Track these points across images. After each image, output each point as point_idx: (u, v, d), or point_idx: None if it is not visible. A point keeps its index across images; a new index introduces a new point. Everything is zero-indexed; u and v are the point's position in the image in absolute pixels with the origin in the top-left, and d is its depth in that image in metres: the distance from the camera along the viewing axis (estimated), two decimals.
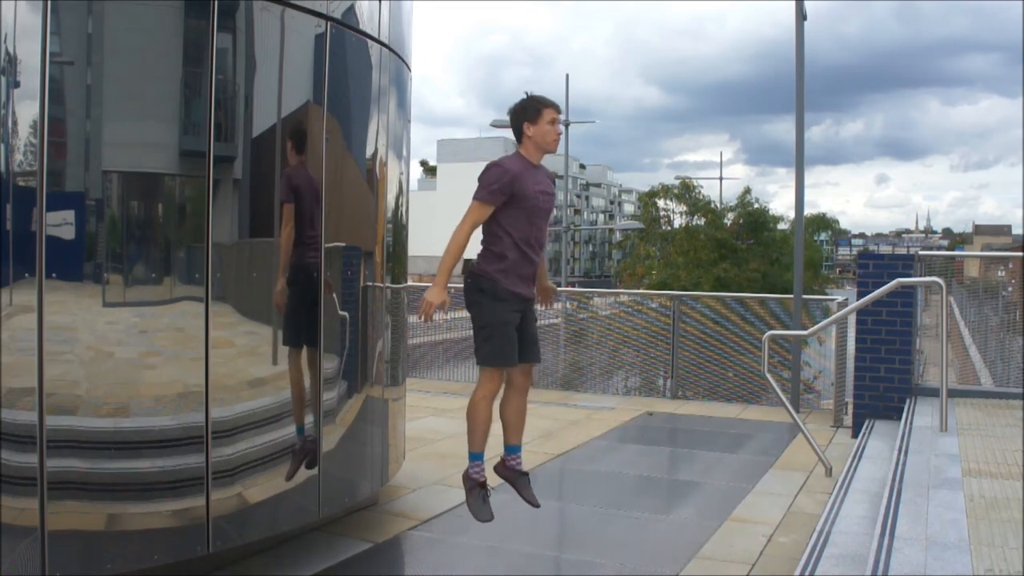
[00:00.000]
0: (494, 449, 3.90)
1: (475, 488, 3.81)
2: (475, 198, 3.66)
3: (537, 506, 3.93)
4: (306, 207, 3.88)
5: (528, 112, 3.72)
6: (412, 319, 6.77)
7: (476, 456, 3.82)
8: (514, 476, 3.93)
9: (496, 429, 3.88)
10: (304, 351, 3.96)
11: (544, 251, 3.89)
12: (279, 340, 3.85)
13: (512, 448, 3.95)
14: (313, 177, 3.93)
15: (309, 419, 3.98)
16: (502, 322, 3.70)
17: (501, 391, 3.84)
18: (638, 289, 25.19)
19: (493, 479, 3.90)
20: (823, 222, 36.39)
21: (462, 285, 3.84)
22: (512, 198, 3.66)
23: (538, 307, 4.05)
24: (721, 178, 40.53)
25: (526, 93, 3.84)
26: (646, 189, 35.70)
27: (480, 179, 3.68)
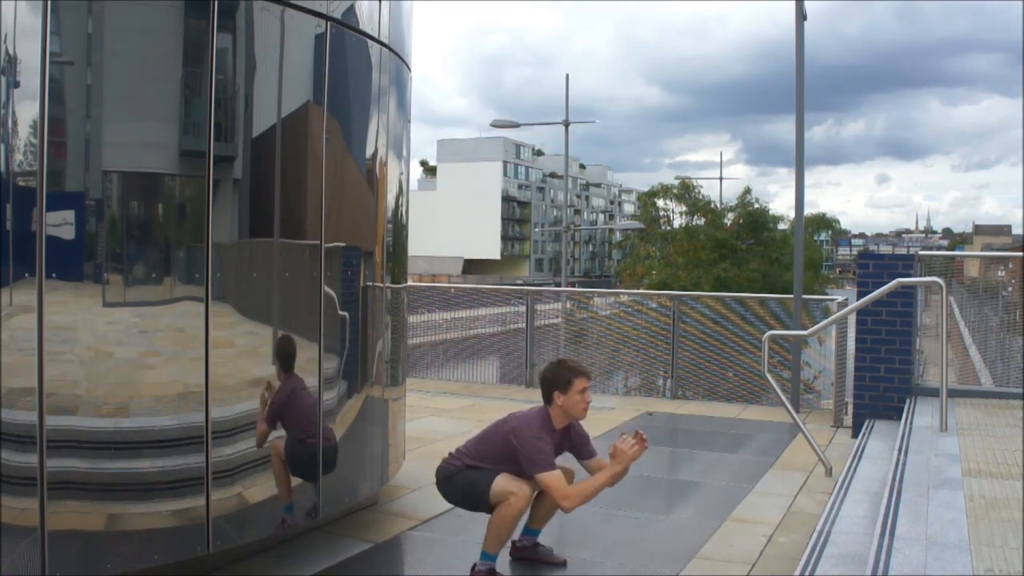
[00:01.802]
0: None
1: None
2: (547, 470, 3.68)
3: (563, 562, 4.03)
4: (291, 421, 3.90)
5: (559, 383, 3.82)
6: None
7: (488, 557, 3.79)
8: (530, 551, 4.03)
9: None
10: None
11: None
12: (277, 340, 3.84)
13: (533, 532, 4.04)
14: (294, 388, 3.91)
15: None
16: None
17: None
18: (638, 289, 25.20)
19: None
20: (823, 222, 36.43)
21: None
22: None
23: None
24: (721, 178, 40.50)
25: (558, 359, 3.98)
26: (646, 189, 35.71)
27: (531, 455, 3.69)
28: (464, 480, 3.82)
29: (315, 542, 4.27)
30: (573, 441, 3.96)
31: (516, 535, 4.00)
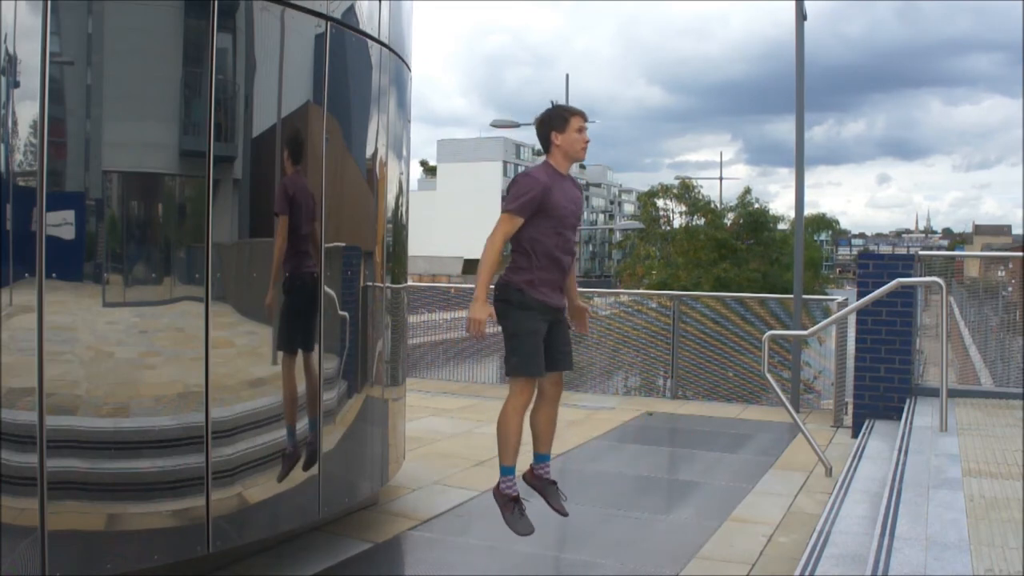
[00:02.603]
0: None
1: (509, 503, 3.77)
2: (505, 210, 3.65)
3: (565, 514, 3.94)
4: (302, 217, 3.87)
5: (555, 121, 3.71)
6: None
7: (507, 470, 3.77)
8: (543, 485, 3.95)
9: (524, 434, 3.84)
10: (299, 356, 3.95)
11: (575, 260, 3.88)
12: (276, 343, 3.84)
13: (542, 457, 3.96)
14: (309, 187, 3.92)
15: (301, 424, 3.96)
16: (529, 332, 3.68)
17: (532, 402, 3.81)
18: (638, 289, 25.19)
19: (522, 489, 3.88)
20: (823, 222, 36.40)
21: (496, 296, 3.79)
22: (541, 209, 3.64)
23: (572, 331, 4.00)
24: (721, 178, 40.54)
25: (552, 102, 3.82)
26: (646, 189, 35.70)
27: (510, 190, 3.66)
28: (503, 323, 3.72)
29: (315, 542, 4.27)
30: (568, 196, 3.77)
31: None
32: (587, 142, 3.76)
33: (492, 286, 3.73)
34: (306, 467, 3.99)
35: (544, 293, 3.70)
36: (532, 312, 3.68)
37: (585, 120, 3.76)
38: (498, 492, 3.80)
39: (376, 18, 4.37)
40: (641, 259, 34.07)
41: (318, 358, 4.01)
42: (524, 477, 3.95)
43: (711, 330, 9.31)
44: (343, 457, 4.26)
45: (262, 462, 3.76)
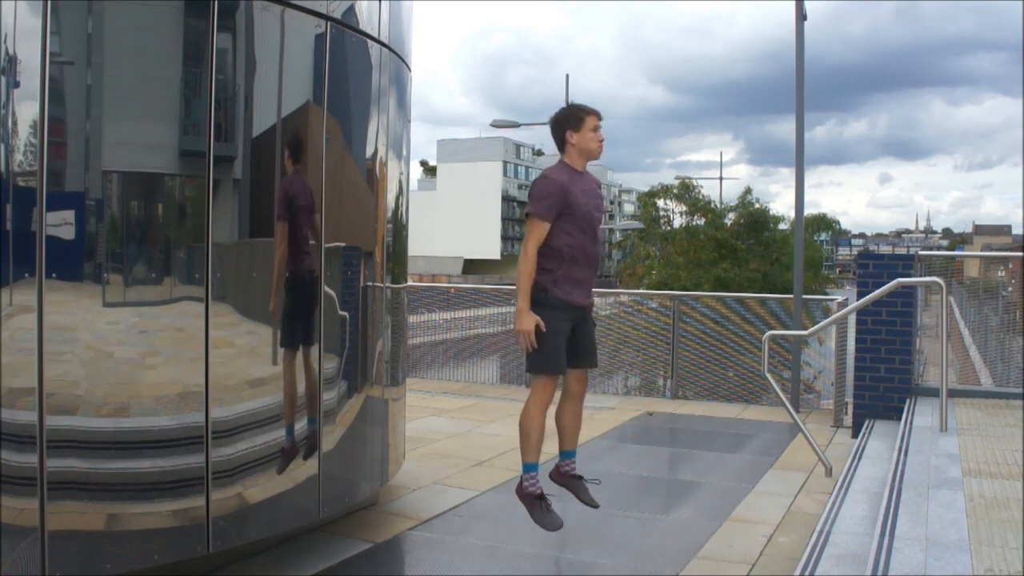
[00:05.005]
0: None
1: (535, 501, 3.78)
2: (531, 215, 3.67)
3: (596, 506, 3.97)
4: (302, 218, 3.87)
5: (570, 120, 3.74)
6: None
7: (530, 467, 3.79)
8: (569, 481, 3.98)
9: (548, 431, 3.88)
10: (300, 353, 3.95)
11: (601, 255, 3.88)
12: (279, 341, 3.84)
13: (567, 454, 3.99)
14: (309, 185, 3.91)
15: (300, 423, 3.96)
16: (552, 331, 3.69)
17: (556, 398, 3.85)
18: (638, 289, 25.19)
19: (547, 486, 3.90)
20: (823, 222, 36.40)
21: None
22: (562, 209, 3.66)
23: None
24: (721, 178, 40.46)
25: (567, 103, 3.86)
26: (647, 189, 35.69)
27: (531, 195, 3.68)
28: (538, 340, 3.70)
29: (315, 542, 4.27)
30: (588, 192, 3.81)
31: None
32: (602, 140, 3.79)
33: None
34: (303, 458, 3.98)
35: (567, 291, 3.72)
36: (556, 311, 3.70)
37: (600, 119, 3.79)
38: (521, 491, 3.80)
39: (376, 18, 4.37)
40: (641, 259, 34.06)
41: (318, 357, 4.01)
42: (551, 476, 3.98)
43: (711, 330, 9.31)
44: (343, 457, 4.26)
45: (262, 462, 3.76)
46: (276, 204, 3.76)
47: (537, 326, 3.62)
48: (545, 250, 3.70)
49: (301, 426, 3.97)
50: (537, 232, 3.66)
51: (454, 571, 4.02)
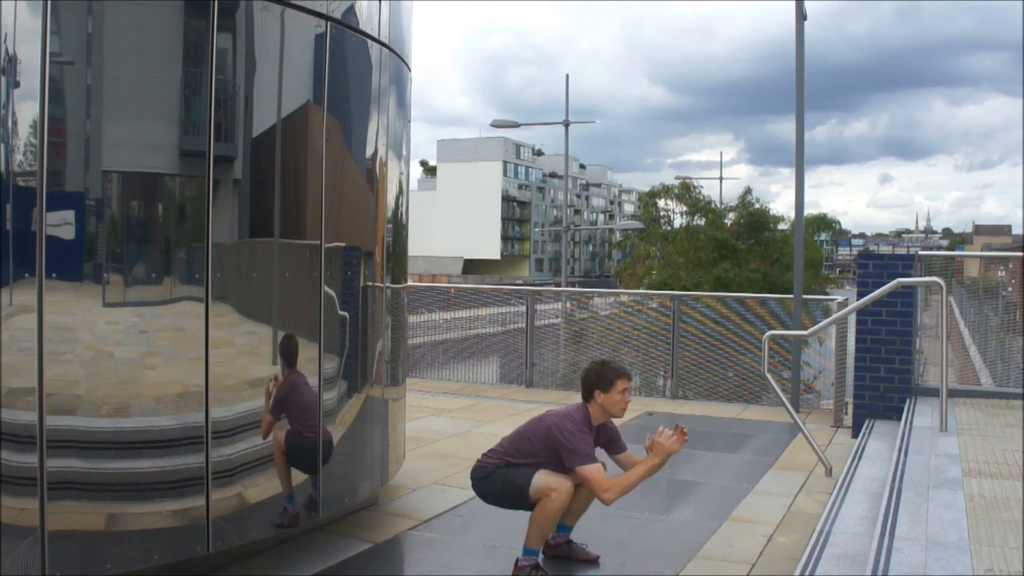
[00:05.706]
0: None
1: (531, 571, 3.78)
2: (587, 464, 3.74)
3: (596, 558, 4.07)
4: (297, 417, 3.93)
5: (602, 382, 3.86)
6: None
7: (533, 552, 3.82)
8: (561, 549, 4.05)
9: None
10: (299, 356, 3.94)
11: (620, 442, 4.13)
12: (278, 340, 3.85)
13: (565, 528, 4.05)
14: (305, 391, 3.95)
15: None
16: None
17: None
18: (638, 289, 25.20)
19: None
20: (823, 222, 36.45)
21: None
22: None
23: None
24: (721, 178, 40.44)
25: (601, 360, 4.03)
26: (647, 189, 35.71)
27: (574, 447, 3.75)
28: (502, 478, 3.83)
29: (315, 542, 4.27)
30: (606, 437, 4.01)
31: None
32: (627, 403, 3.93)
33: (506, 461, 3.85)
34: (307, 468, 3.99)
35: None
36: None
37: (629, 381, 3.92)
38: (517, 570, 3.81)
39: (376, 18, 4.37)
40: (641, 259, 34.11)
41: (318, 358, 4.01)
42: (544, 552, 4.00)
43: (711, 330, 9.31)
44: (343, 457, 4.26)
45: (262, 462, 3.76)
46: (271, 406, 3.77)
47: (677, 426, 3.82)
48: (525, 457, 3.81)
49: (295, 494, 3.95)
50: (600, 473, 3.77)
51: (454, 571, 4.02)
